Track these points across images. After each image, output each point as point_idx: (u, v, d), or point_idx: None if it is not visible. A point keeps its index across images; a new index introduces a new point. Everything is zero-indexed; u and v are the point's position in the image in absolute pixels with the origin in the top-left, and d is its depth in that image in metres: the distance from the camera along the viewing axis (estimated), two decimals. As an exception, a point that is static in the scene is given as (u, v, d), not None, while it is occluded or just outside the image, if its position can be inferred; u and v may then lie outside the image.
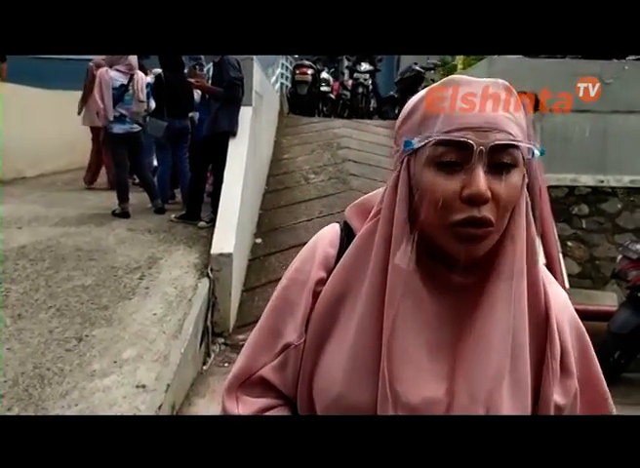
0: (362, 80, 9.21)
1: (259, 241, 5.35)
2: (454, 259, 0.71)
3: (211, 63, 5.65)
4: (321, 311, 0.78)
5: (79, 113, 7.10)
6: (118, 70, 5.22)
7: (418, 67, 9.14)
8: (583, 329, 0.81)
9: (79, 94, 7.25)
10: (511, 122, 0.69)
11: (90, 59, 7.72)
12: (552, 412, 0.74)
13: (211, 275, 4.02)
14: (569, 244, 4.61)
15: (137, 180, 5.89)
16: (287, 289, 0.83)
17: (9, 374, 2.79)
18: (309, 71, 9.39)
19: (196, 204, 5.28)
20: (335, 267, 0.80)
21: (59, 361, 2.94)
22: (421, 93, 0.75)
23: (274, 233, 5.49)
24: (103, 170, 7.28)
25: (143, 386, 2.74)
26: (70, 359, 2.96)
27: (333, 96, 9.98)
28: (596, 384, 0.81)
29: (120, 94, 5.21)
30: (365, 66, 9.32)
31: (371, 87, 9.59)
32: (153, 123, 5.44)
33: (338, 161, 6.98)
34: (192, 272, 4.10)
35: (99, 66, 5.34)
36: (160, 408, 2.64)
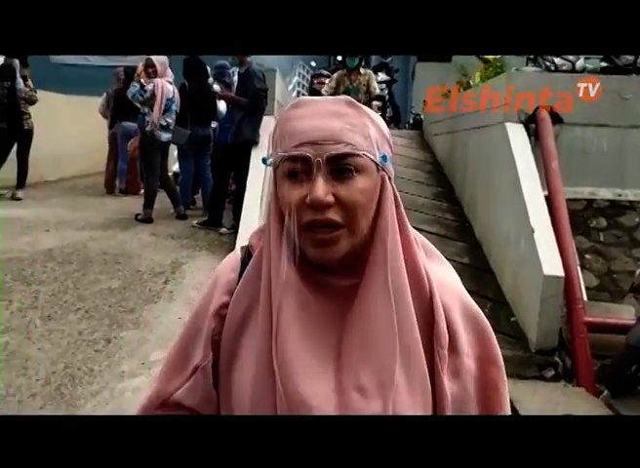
0: (379, 90, 9.28)
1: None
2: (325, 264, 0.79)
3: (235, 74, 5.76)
4: (229, 332, 0.84)
5: (107, 117, 7.26)
6: (168, 82, 5.37)
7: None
8: (476, 308, 0.88)
9: (98, 99, 7.41)
10: (351, 132, 0.77)
11: (112, 67, 7.88)
12: (447, 398, 0.80)
13: (234, 281, 4.09)
14: (587, 257, 4.63)
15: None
16: (195, 316, 0.89)
17: (40, 373, 2.86)
18: (327, 81, 9.46)
19: (218, 210, 5.36)
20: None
21: (88, 361, 3.01)
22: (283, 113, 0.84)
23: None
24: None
25: (172, 388, 2.81)
26: (100, 360, 3.04)
27: None
28: (492, 359, 0.87)
29: (171, 104, 5.37)
30: (382, 76, 9.39)
31: (387, 97, 9.67)
32: (177, 131, 5.55)
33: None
34: (215, 277, 4.16)
35: (141, 75, 5.49)
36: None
